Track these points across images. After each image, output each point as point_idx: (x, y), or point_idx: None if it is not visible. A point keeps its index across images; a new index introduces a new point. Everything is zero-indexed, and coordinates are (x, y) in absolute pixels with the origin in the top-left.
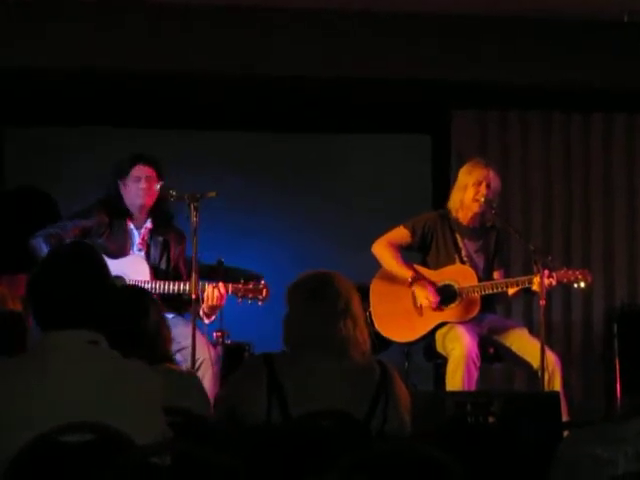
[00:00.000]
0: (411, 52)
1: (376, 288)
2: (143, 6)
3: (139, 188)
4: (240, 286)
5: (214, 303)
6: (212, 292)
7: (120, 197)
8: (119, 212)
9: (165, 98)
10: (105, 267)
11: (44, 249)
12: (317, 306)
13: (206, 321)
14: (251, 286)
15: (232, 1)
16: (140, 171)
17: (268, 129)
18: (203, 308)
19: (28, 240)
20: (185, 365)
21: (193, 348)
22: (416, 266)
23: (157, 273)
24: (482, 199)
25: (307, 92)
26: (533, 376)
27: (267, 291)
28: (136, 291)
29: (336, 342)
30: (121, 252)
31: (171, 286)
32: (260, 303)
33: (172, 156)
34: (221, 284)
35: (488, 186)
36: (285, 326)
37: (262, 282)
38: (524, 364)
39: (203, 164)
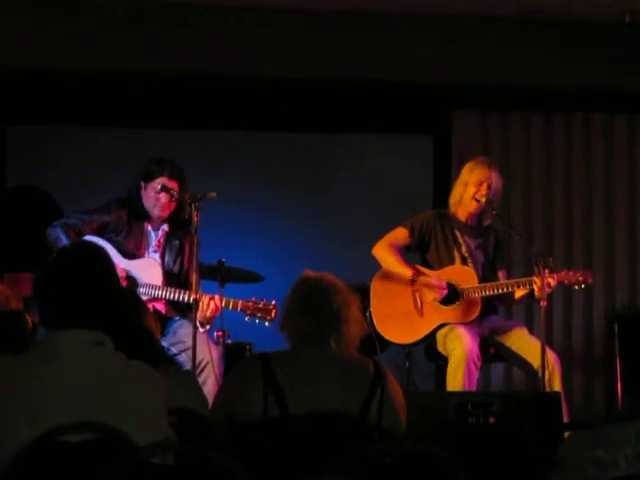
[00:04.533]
0: (413, 53)
1: (376, 288)
2: (141, 6)
3: (158, 200)
4: (250, 304)
5: (208, 314)
6: (207, 303)
7: (140, 198)
8: (137, 212)
9: (166, 98)
10: (113, 268)
11: (63, 239)
12: (313, 309)
13: (201, 330)
14: (261, 305)
15: (235, 2)
16: (163, 184)
17: (269, 129)
18: (198, 317)
19: (44, 230)
20: (189, 365)
21: (194, 349)
22: (417, 266)
23: (169, 277)
24: (483, 200)
25: (308, 93)
26: (533, 376)
27: (276, 312)
28: (132, 296)
29: (330, 340)
30: (137, 252)
31: (180, 295)
32: (267, 324)
33: (173, 156)
34: (217, 296)
35: (489, 187)
36: (282, 318)
37: (272, 302)
38: (524, 364)
39: (204, 164)
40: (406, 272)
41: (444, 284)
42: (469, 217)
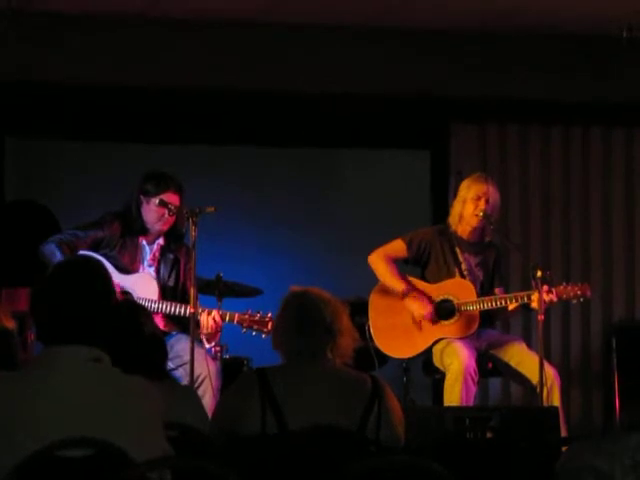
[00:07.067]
0: (410, 67)
1: (375, 302)
2: (142, 21)
3: (162, 215)
4: (246, 317)
5: (209, 331)
6: (206, 320)
7: (139, 212)
8: (133, 227)
9: (165, 113)
10: (111, 283)
11: (57, 256)
12: (305, 325)
13: (207, 345)
14: (257, 318)
15: (229, 16)
16: (169, 198)
17: (269, 144)
18: (203, 334)
19: (38, 246)
20: (186, 380)
21: (191, 363)
22: (414, 279)
23: (165, 291)
24: (481, 214)
25: (307, 107)
26: (532, 391)
27: (272, 324)
28: (134, 307)
29: (326, 354)
30: (132, 266)
31: (177, 309)
32: (264, 336)
33: (172, 170)
34: (215, 312)
35: (487, 201)
36: (275, 337)
37: (269, 315)
38: (523, 379)
39: (203, 178)
40: (398, 286)
41: (430, 302)
42: (470, 234)
